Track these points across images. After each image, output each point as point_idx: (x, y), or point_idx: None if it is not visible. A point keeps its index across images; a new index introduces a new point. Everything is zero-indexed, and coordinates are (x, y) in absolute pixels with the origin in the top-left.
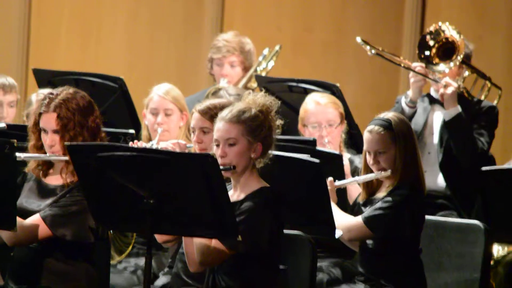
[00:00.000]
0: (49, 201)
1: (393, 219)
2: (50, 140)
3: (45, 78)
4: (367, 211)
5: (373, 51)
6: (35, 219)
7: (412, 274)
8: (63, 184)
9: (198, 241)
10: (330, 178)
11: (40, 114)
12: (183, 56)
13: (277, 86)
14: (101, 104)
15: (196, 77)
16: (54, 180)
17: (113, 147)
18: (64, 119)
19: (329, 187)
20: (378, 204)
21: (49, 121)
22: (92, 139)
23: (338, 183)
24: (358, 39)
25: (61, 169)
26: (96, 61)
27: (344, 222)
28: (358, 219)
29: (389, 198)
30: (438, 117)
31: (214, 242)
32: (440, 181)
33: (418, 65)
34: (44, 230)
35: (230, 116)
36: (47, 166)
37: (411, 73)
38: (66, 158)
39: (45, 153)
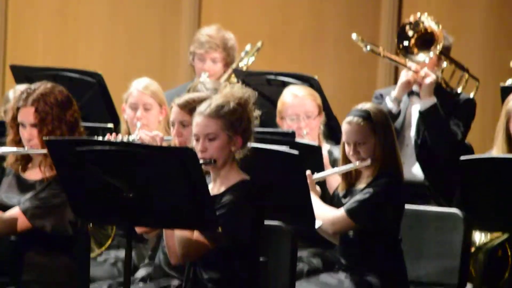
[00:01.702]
0: (28, 195)
1: (375, 209)
2: (28, 134)
3: (23, 74)
4: (349, 202)
5: (368, 48)
6: (14, 211)
7: (392, 263)
8: (42, 179)
9: (180, 233)
10: (308, 172)
11: (18, 109)
12: (162, 50)
13: (256, 79)
14: (80, 99)
15: (175, 71)
16: (33, 174)
17: (92, 142)
18: (42, 113)
19: (308, 181)
20: (359, 195)
21: (27, 115)
22: (70, 133)
23: (316, 176)
24: (354, 36)
25: (39, 163)
26: (75, 57)
27: (326, 215)
28: (341, 212)
29: (370, 189)
30: (415, 110)
31: (196, 235)
32: (418, 172)
33: (414, 66)
34: (23, 222)
35: (209, 111)
36: (25, 161)
37: (403, 72)
38: (44, 151)
39: (23, 147)
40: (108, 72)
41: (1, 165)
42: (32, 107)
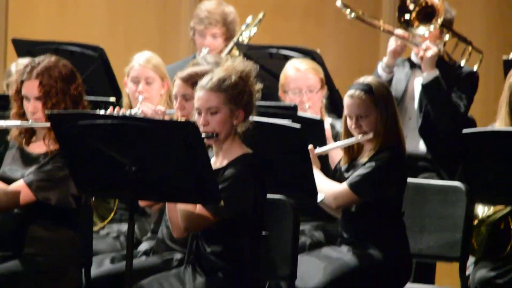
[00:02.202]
0: (32, 169)
1: (378, 183)
2: (32, 107)
3: (25, 48)
4: (351, 176)
5: (353, 15)
6: (19, 184)
7: (395, 237)
8: (46, 152)
9: (182, 207)
10: (310, 146)
11: (22, 82)
12: (163, 24)
13: (257, 53)
14: (81, 73)
15: (176, 45)
16: (37, 147)
17: (94, 115)
18: (46, 86)
19: (310, 155)
20: (362, 169)
21: (31, 88)
22: (75, 107)
23: (318, 150)
24: (338, 3)
25: (43, 136)
26: (76, 30)
27: (329, 189)
28: (344, 186)
29: (372, 163)
30: (418, 83)
31: (198, 208)
32: (421, 146)
33: (399, 30)
34: (27, 195)
35: (211, 85)
36: (29, 134)
37: (391, 39)
38: (48, 124)
39: (27, 121)
40: (108, 47)
41: (5, 139)
42: (37, 80)
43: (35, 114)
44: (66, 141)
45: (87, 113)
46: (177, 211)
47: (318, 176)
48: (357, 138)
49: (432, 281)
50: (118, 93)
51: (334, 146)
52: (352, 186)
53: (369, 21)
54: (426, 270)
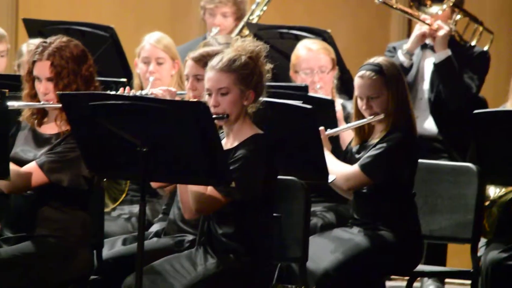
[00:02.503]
0: (44, 150)
1: (390, 164)
2: (44, 88)
3: (35, 28)
4: (363, 158)
5: None
6: (31, 166)
7: (406, 218)
8: (58, 133)
9: (193, 188)
10: (321, 128)
11: (33, 62)
12: (174, 4)
13: (268, 33)
14: (92, 53)
15: (187, 25)
16: (49, 129)
17: (105, 96)
18: (57, 67)
19: (321, 136)
20: (373, 151)
21: (43, 69)
22: (86, 87)
23: (329, 131)
24: None
25: (55, 117)
26: (86, 10)
27: (341, 171)
28: (355, 167)
29: (384, 144)
30: (429, 63)
31: (210, 190)
32: (432, 126)
33: (428, 19)
34: (40, 177)
35: (221, 65)
36: (41, 115)
37: (417, 25)
38: (60, 105)
39: (39, 101)
40: (119, 28)
41: (16, 119)
42: (48, 61)
43: (47, 95)
44: (77, 122)
45: (99, 93)
46: (188, 193)
47: (329, 158)
48: (368, 119)
49: (443, 263)
50: (129, 74)
51: (345, 127)
52: (363, 167)
53: (399, 7)
54: (438, 252)
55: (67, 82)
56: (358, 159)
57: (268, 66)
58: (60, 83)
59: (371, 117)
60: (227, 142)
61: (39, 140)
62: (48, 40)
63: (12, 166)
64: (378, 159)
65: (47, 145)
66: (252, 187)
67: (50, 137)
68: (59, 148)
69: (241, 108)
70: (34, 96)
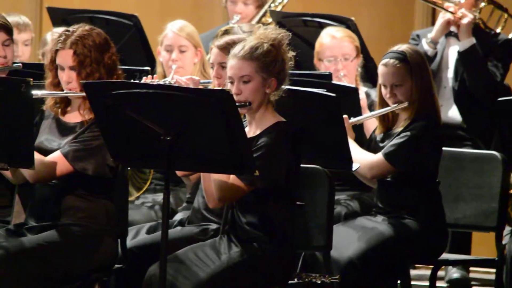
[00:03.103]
0: (69, 139)
1: (414, 153)
2: (67, 76)
3: (60, 16)
4: (387, 146)
5: None
6: (55, 155)
7: (430, 206)
8: (82, 121)
9: (216, 177)
10: (345, 116)
11: (56, 51)
12: None
13: (291, 20)
14: (116, 42)
15: (210, 13)
16: (72, 117)
17: (129, 84)
18: (80, 56)
19: (345, 125)
20: (397, 139)
21: (66, 57)
22: (109, 76)
23: (353, 120)
24: None
25: (79, 106)
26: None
27: (364, 160)
28: (379, 156)
29: (408, 132)
30: (453, 51)
31: (232, 178)
32: (456, 115)
33: (452, 7)
34: (64, 166)
35: (243, 53)
36: (65, 104)
37: (441, 14)
38: (83, 94)
39: (62, 90)
40: (143, 16)
41: (40, 108)
42: (71, 50)
43: (70, 83)
44: (101, 111)
45: (122, 82)
46: (211, 181)
47: (353, 146)
48: (392, 107)
49: (468, 251)
50: (152, 62)
51: (369, 115)
52: (387, 156)
53: None
54: (462, 240)
55: (89, 71)
56: (382, 147)
57: (291, 53)
58: (83, 72)
59: (395, 105)
60: (250, 130)
61: (63, 129)
62: (71, 28)
63: (37, 156)
64: (402, 147)
65: (71, 134)
66: (275, 175)
67: (74, 126)
68: (83, 137)
69: (263, 96)
70: (57, 85)
